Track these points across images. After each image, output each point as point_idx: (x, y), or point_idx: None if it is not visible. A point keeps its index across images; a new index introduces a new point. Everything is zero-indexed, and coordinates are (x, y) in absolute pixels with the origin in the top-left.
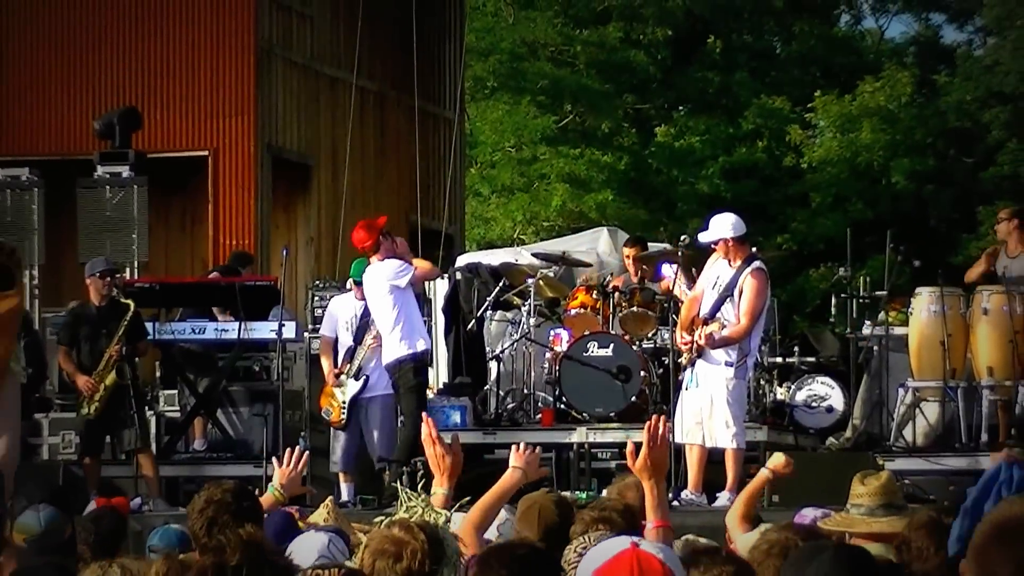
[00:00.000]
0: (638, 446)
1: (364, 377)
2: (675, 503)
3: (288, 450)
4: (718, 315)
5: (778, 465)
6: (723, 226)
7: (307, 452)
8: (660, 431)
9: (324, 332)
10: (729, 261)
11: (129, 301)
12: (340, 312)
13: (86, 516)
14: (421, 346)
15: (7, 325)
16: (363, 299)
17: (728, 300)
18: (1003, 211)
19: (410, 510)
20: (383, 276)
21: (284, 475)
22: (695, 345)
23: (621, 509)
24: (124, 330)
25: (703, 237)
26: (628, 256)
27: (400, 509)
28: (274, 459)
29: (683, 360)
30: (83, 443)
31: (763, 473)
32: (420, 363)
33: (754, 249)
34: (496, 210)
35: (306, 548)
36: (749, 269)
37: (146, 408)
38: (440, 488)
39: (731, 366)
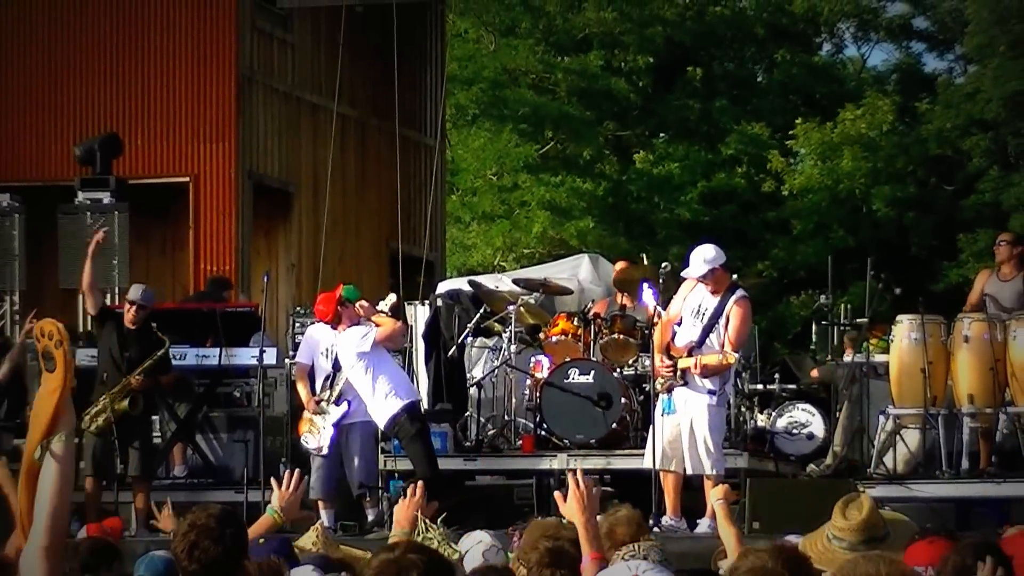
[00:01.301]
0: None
1: (345, 402)
2: (656, 529)
3: (288, 472)
4: (706, 344)
5: (726, 493)
6: (710, 257)
7: (306, 476)
8: (580, 485)
9: (300, 359)
10: (712, 290)
11: (165, 338)
12: (319, 339)
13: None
14: (408, 396)
15: (44, 408)
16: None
17: (714, 329)
18: (1005, 234)
19: (426, 541)
20: (350, 346)
21: (283, 498)
22: (679, 372)
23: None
24: (151, 365)
25: (691, 273)
26: (619, 271)
27: (416, 537)
28: (272, 480)
29: (659, 386)
30: (94, 464)
31: (720, 506)
32: (414, 411)
33: (734, 276)
34: (477, 237)
35: None
36: (735, 298)
37: (152, 440)
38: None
39: (713, 394)
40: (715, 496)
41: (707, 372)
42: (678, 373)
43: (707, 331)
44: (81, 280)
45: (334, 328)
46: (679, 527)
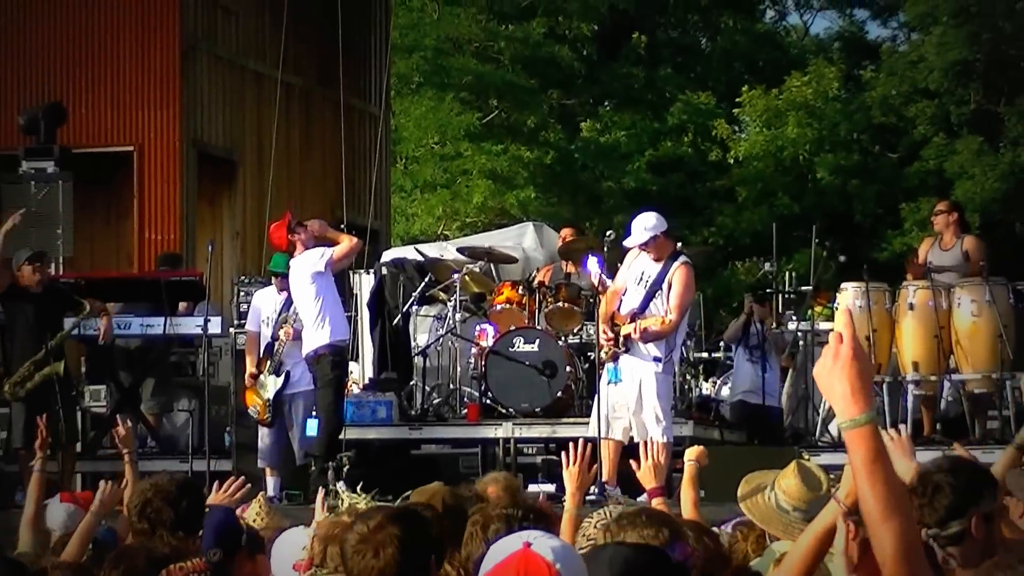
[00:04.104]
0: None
1: (285, 372)
2: (599, 497)
3: (231, 479)
4: (648, 310)
5: (699, 455)
6: (650, 224)
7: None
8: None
9: (249, 327)
10: (654, 257)
11: (85, 302)
12: (262, 306)
13: None
14: (339, 337)
15: None
16: (283, 291)
17: (657, 295)
18: (941, 204)
19: (354, 505)
20: (304, 267)
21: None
22: (620, 339)
23: (528, 506)
24: (70, 331)
25: (633, 241)
26: (564, 238)
27: (343, 507)
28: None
29: (603, 355)
30: (24, 434)
31: (690, 467)
32: (338, 355)
33: (679, 245)
34: (418, 206)
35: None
36: (677, 264)
37: (76, 406)
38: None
39: (659, 361)
40: (689, 456)
41: (647, 337)
42: (620, 340)
43: (649, 297)
44: None
45: (291, 255)
46: (615, 494)
